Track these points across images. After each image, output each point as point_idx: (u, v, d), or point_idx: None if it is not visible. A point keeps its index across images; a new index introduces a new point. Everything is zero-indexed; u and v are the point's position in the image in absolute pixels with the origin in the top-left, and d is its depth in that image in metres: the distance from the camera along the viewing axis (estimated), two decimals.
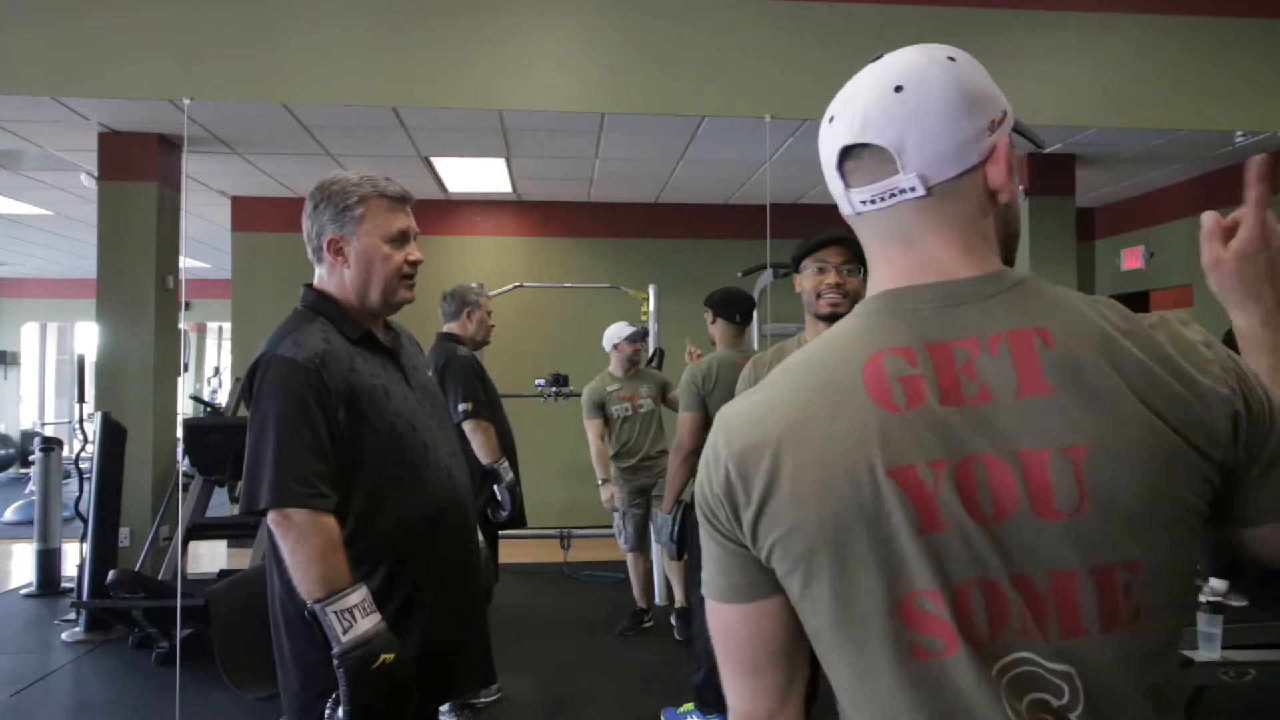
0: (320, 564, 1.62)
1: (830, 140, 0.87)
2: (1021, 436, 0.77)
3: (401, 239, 1.83)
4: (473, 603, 1.98)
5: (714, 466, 0.84)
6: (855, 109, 0.85)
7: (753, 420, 0.83)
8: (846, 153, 0.85)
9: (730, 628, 0.87)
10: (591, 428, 4.86)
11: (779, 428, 0.81)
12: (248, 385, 1.75)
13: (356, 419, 1.72)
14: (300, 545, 1.63)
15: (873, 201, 0.85)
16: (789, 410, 0.82)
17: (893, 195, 0.84)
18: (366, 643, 1.59)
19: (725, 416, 0.87)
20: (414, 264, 1.85)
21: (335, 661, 1.59)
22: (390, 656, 1.61)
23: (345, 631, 1.59)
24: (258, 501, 1.65)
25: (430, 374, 2.05)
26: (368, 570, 1.71)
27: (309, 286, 1.87)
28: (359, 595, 1.63)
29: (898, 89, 0.83)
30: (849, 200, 0.87)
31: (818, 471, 0.78)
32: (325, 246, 1.81)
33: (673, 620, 4.79)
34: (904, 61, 0.85)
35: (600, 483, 4.92)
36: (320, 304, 1.82)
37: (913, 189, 0.84)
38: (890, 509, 0.76)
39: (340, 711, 1.62)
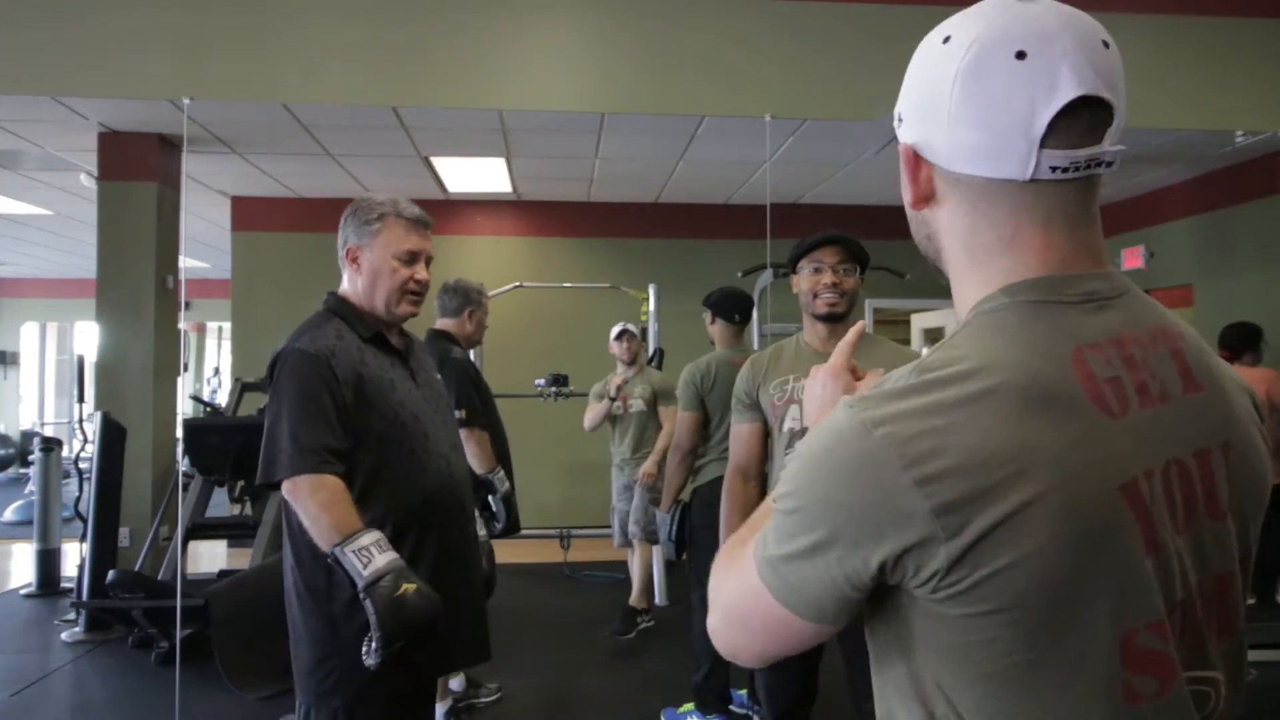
0: (330, 513, 1.78)
1: (1027, 83, 0.71)
2: (1194, 437, 0.74)
3: (411, 258, 2.01)
4: (468, 583, 2.10)
5: (882, 497, 0.68)
6: (1069, 51, 0.71)
7: (942, 432, 0.67)
8: (1069, 105, 0.71)
9: (766, 623, 0.76)
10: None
11: (991, 439, 0.67)
12: (269, 375, 1.94)
13: (364, 405, 1.91)
14: (310, 500, 1.79)
15: (1065, 170, 0.72)
16: (998, 414, 0.67)
17: (1091, 165, 0.73)
18: (387, 574, 1.73)
19: (885, 423, 0.69)
20: (419, 283, 2.02)
21: (361, 595, 1.72)
22: (412, 586, 1.74)
23: (365, 566, 1.73)
24: (274, 473, 1.83)
25: (437, 377, 2.20)
26: None
27: (332, 292, 2.07)
28: (372, 536, 1.78)
29: (1105, 44, 0.73)
30: (1034, 161, 0.72)
31: (1055, 493, 0.66)
32: (346, 255, 2.02)
33: (620, 622, 4.76)
34: (1087, 17, 0.74)
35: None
36: (339, 307, 2.02)
37: (1110, 164, 0.74)
38: (1125, 531, 0.68)
39: (373, 643, 1.72)
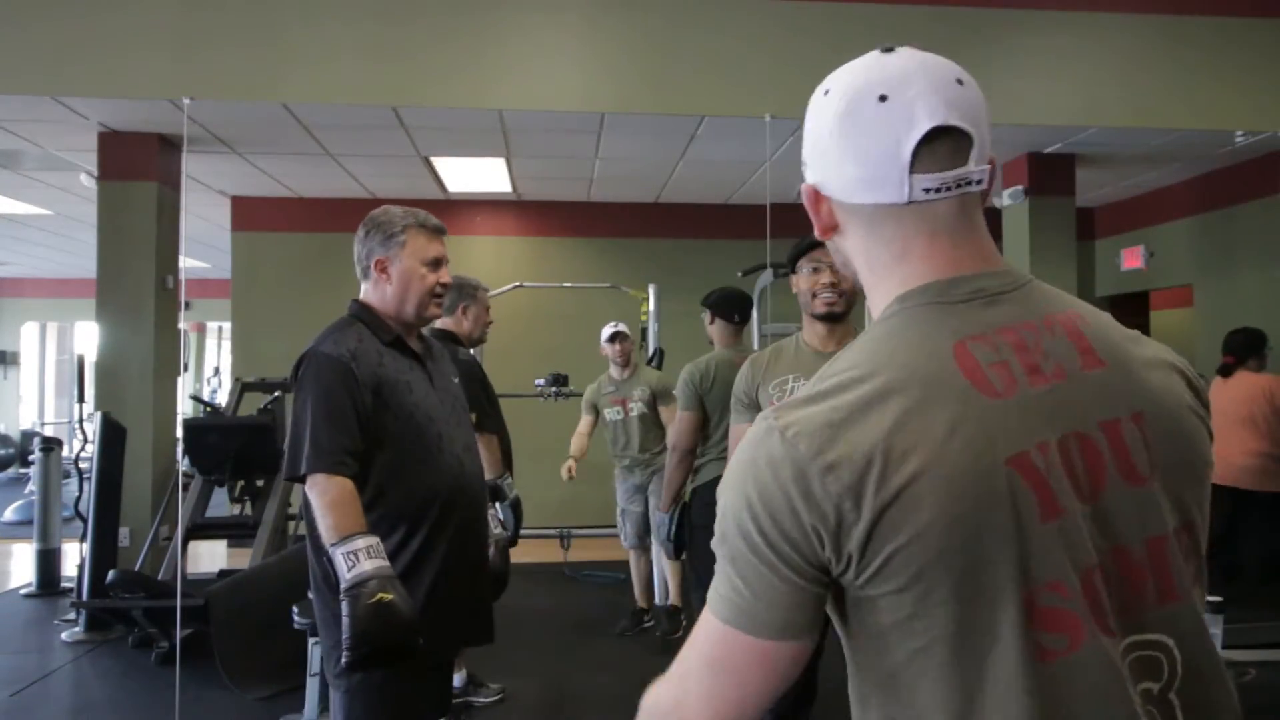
0: (333, 514, 1.89)
1: (890, 121, 0.81)
2: (1097, 409, 0.80)
3: (435, 264, 2.15)
4: (476, 581, 2.20)
5: (795, 486, 0.76)
6: (924, 91, 0.81)
7: (841, 426, 0.76)
8: (928, 135, 0.81)
9: (741, 661, 0.80)
10: (582, 422, 4.97)
11: (881, 430, 0.75)
12: (294, 375, 2.07)
13: (380, 405, 2.02)
14: (320, 499, 1.91)
15: (938, 190, 0.82)
16: (888, 410, 0.76)
17: (960, 185, 0.83)
18: (366, 580, 1.81)
19: (793, 425, 0.78)
20: (444, 285, 2.17)
21: (341, 596, 1.81)
22: (389, 596, 1.81)
23: (350, 569, 1.83)
24: (296, 469, 1.97)
25: (455, 380, 2.29)
26: (382, 535, 1.95)
27: (355, 300, 2.19)
28: (366, 541, 1.87)
29: (959, 81, 0.83)
30: (908, 186, 0.82)
31: (938, 471, 0.74)
32: (373, 266, 2.14)
33: (663, 620, 4.75)
34: (941, 60, 0.85)
35: (570, 460, 4.92)
36: (362, 313, 2.15)
37: (979, 182, 0.84)
38: (1015, 500, 0.75)
39: (344, 644, 1.80)
